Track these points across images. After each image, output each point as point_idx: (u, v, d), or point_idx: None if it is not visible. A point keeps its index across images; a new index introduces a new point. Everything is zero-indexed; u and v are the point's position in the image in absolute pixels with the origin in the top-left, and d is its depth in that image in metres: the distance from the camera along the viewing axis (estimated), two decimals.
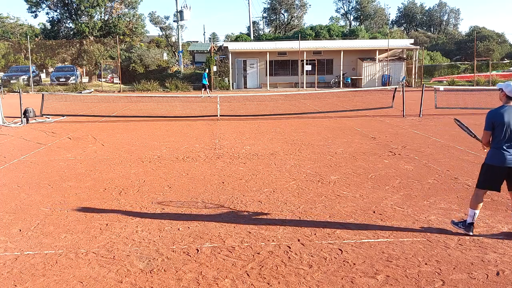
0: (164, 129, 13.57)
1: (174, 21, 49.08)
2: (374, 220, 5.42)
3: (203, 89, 26.88)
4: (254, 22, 58.50)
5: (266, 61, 35.13)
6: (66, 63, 40.14)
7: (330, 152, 9.58)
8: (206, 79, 27.00)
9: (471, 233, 4.90)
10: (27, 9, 38.92)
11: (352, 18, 64.64)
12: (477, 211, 4.89)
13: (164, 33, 56.69)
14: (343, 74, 35.21)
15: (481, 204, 4.90)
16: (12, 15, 61.60)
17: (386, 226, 5.23)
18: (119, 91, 33.44)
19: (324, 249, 4.62)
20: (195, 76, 39.24)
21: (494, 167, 4.73)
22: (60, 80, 35.38)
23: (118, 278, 4.06)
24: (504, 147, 4.69)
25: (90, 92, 31.14)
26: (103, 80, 38.76)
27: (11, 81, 34.20)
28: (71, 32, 38.30)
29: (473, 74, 35.93)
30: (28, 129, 13.77)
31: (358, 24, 61.08)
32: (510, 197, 4.97)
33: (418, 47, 37.98)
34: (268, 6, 58.65)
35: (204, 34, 73.47)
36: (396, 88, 18.08)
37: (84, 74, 41.08)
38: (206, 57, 39.00)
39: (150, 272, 4.16)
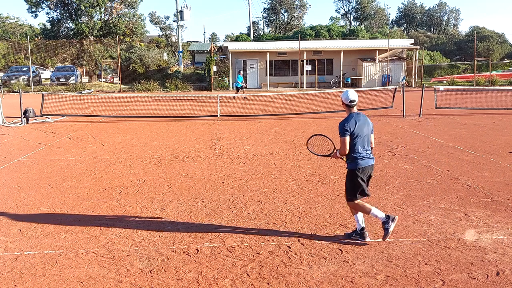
0: (164, 129, 13.57)
1: (174, 21, 49.16)
2: (374, 220, 5.42)
3: (238, 91, 25.00)
4: (254, 22, 58.54)
5: (266, 61, 35.13)
6: (66, 63, 40.14)
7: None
8: (239, 82, 25.14)
9: (367, 239, 4.83)
10: (27, 9, 38.95)
11: (352, 18, 64.68)
12: (373, 211, 4.83)
13: (164, 33, 56.70)
14: (343, 74, 35.21)
15: (367, 205, 4.86)
16: (12, 15, 61.65)
17: None
18: (119, 91, 33.44)
19: (324, 249, 4.62)
20: (195, 76, 39.26)
21: (361, 169, 4.81)
22: (60, 80, 35.39)
23: (118, 278, 4.06)
24: (360, 153, 4.80)
25: (90, 92, 31.14)
26: (103, 80, 38.75)
27: (11, 81, 34.20)
28: (71, 32, 38.29)
29: (473, 74, 35.93)
30: (28, 129, 13.77)
31: (358, 24, 61.09)
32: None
33: (418, 47, 37.98)
34: (268, 6, 58.69)
35: (204, 34, 73.54)
36: (396, 88, 18.08)
37: (84, 74, 41.07)
38: (206, 57, 39.00)
39: (150, 272, 4.16)
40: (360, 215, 4.88)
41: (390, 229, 4.72)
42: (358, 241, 4.80)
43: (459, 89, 27.26)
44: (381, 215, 4.79)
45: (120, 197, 6.50)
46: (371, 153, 4.91)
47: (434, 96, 17.70)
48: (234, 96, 24.72)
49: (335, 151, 5.03)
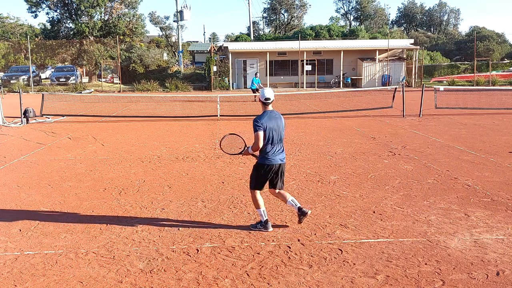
0: (164, 129, 13.57)
1: (174, 21, 49.15)
2: (374, 220, 5.42)
3: (254, 92, 23.41)
4: (254, 22, 58.51)
5: (266, 61, 35.13)
6: (66, 63, 40.14)
7: (330, 152, 9.58)
8: (255, 84, 23.61)
9: (270, 229, 5.14)
10: (27, 9, 38.94)
11: (352, 18, 64.65)
12: (262, 209, 5.15)
13: (164, 33, 56.70)
14: (343, 74, 35.20)
15: (261, 201, 5.17)
16: (12, 15, 61.59)
17: (386, 226, 5.23)
18: (119, 91, 33.45)
19: (324, 249, 4.62)
20: (195, 76, 39.26)
21: (268, 166, 5.08)
22: (60, 80, 35.40)
23: (118, 278, 4.06)
24: (271, 149, 5.05)
25: (90, 92, 31.14)
26: (103, 80, 38.75)
27: (11, 81, 34.21)
28: (71, 32, 38.29)
29: (473, 74, 35.92)
30: (28, 129, 13.77)
31: (358, 24, 61.06)
32: (272, 194, 5.36)
33: (418, 47, 37.97)
34: (268, 6, 58.66)
35: (204, 34, 73.53)
36: (396, 88, 18.08)
37: (84, 74, 41.07)
38: (206, 57, 39.00)
39: (150, 272, 4.16)
40: (262, 210, 5.15)
41: (255, 228, 5.17)
42: (354, 242, 4.80)
43: (459, 89, 27.26)
44: (263, 218, 5.14)
45: (120, 197, 6.50)
46: (283, 150, 5.18)
47: (434, 96, 17.70)
48: (255, 99, 23.36)
49: (246, 148, 5.24)
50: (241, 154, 5.32)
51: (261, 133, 4.95)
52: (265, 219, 5.16)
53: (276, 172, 5.13)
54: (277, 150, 5.09)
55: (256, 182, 5.17)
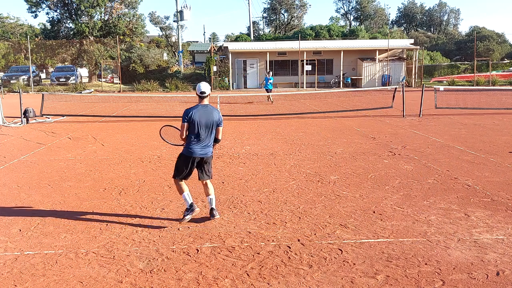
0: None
1: (174, 21, 49.15)
2: (374, 220, 5.42)
3: (269, 94, 21.99)
4: (254, 22, 58.52)
5: (266, 61, 35.13)
6: (66, 63, 40.14)
7: (330, 152, 9.58)
8: (271, 82, 22.06)
9: (197, 209, 5.35)
10: (27, 9, 38.97)
11: (352, 18, 64.67)
12: (186, 193, 5.38)
13: (164, 33, 56.69)
14: (343, 74, 35.21)
15: (184, 187, 5.39)
16: (12, 15, 61.62)
17: (386, 226, 5.23)
18: (119, 91, 33.44)
19: (324, 249, 4.62)
20: (195, 76, 39.25)
21: (187, 157, 5.31)
22: (60, 80, 35.40)
23: (118, 278, 4.06)
24: (194, 142, 5.28)
25: (90, 92, 31.14)
26: (103, 80, 38.76)
27: (11, 81, 34.21)
28: (71, 32, 38.30)
29: (473, 74, 35.93)
30: (28, 129, 13.77)
31: (358, 24, 61.08)
32: (204, 188, 5.57)
33: (418, 47, 37.98)
34: (268, 6, 58.68)
35: (204, 34, 73.50)
36: (396, 88, 18.07)
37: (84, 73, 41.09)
38: (206, 57, 39.02)
39: (150, 272, 4.16)
40: (185, 194, 5.37)
41: (186, 218, 5.30)
42: (354, 242, 4.79)
43: (459, 89, 27.26)
44: (188, 202, 5.34)
45: (120, 197, 6.50)
46: (209, 145, 5.37)
47: (434, 96, 17.70)
48: (272, 101, 21.73)
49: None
50: (182, 146, 5.49)
51: (185, 124, 5.22)
52: (190, 202, 5.34)
53: (198, 164, 5.34)
54: (202, 144, 5.29)
55: (176, 171, 5.39)
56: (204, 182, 5.49)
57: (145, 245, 4.78)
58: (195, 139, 5.25)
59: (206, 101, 5.35)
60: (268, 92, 22.08)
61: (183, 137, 5.30)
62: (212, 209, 5.45)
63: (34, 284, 3.97)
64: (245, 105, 20.89)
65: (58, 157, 9.49)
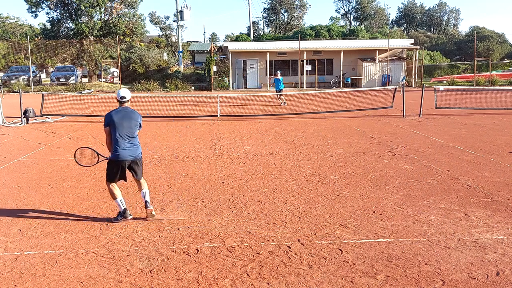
0: (164, 129, 13.57)
1: (174, 21, 49.16)
2: (374, 220, 5.42)
3: (280, 94, 20.65)
4: (254, 22, 58.51)
5: (266, 61, 35.13)
6: (66, 63, 40.14)
7: (330, 152, 9.58)
8: (281, 82, 20.68)
9: (130, 216, 5.45)
10: (27, 9, 38.93)
11: (352, 18, 64.66)
12: (118, 199, 5.45)
13: (164, 33, 56.69)
14: (343, 74, 35.20)
15: (117, 193, 5.45)
16: (12, 15, 61.54)
17: (386, 226, 5.23)
18: None
19: (324, 249, 4.62)
20: (195, 76, 39.26)
21: (117, 162, 5.39)
22: (60, 80, 35.40)
23: (118, 278, 4.06)
24: (120, 145, 5.37)
25: (90, 92, 31.14)
26: (103, 80, 38.76)
27: (11, 81, 34.21)
28: (71, 32, 38.27)
29: (473, 74, 35.92)
30: (28, 129, 13.77)
31: (358, 24, 61.07)
32: (137, 185, 5.65)
33: (418, 47, 37.97)
34: (268, 6, 58.66)
35: (204, 34, 73.50)
36: (396, 88, 18.08)
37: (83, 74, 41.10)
38: (206, 57, 39.00)
39: (150, 272, 4.16)
40: (118, 200, 5.43)
41: (118, 221, 5.40)
42: (354, 242, 4.79)
43: (459, 89, 27.25)
44: (121, 208, 5.42)
45: None
46: (136, 145, 5.52)
47: (434, 96, 17.70)
48: (284, 102, 20.55)
49: (99, 156, 5.53)
50: (97, 163, 5.60)
51: (107, 129, 5.39)
52: (123, 208, 5.42)
53: (129, 166, 5.44)
54: (128, 145, 5.41)
55: (108, 176, 5.46)
56: (139, 181, 5.63)
57: (145, 245, 4.78)
58: (121, 142, 5.36)
59: (126, 105, 5.57)
60: (280, 92, 20.66)
61: (108, 142, 5.41)
62: (146, 201, 5.51)
63: (34, 284, 3.97)
64: (245, 105, 20.89)
65: (58, 157, 9.49)
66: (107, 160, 5.46)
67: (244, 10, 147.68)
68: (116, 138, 5.35)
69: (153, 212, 5.51)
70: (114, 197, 5.46)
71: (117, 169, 5.40)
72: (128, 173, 5.60)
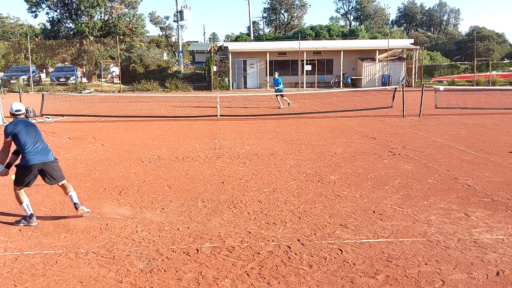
0: (164, 129, 13.57)
1: (174, 21, 49.16)
2: (374, 220, 5.42)
3: (281, 96, 19.75)
4: (254, 22, 58.50)
5: (266, 61, 35.14)
6: (66, 63, 40.15)
7: (330, 152, 9.58)
8: (280, 84, 19.63)
9: (35, 223, 5.37)
10: (27, 9, 38.96)
11: (352, 18, 64.67)
12: (25, 204, 5.44)
13: (164, 33, 56.71)
14: (343, 74, 35.21)
15: (24, 198, 5.48)
16: (12, 15, 61.64)
17: (386, 226, 5.23)
18: (119, 91, 33.44)
19: (324, 249, 4.62)
20: (195, 76, 39.26)
21: (28, 167, 5.41)
22: (60, 80, 35.41)
23: (118, 278, 4.06)
24: (29, 150, 5.37)
25: (90, 92, 31.14)
26: (103, 80, 38.76)
27: (11, 81, 34.22)
28: (71, 32, 38.29)
29: (473, 74, 35.93)
30: None
31: (358, 24, 61.08)
32: (62, 188, 5.67)
33: (418, 47, 37.97)
34: (268, 6, 58.68)
35: (204, 34, 73.49)
36: (396, 88, 18.07)
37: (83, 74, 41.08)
38: (206, 57, 39.01)
39: (150, 272, 4.16)
40: (25, 205, 5.42)
41: (20, 224, 5.36)
42: (354, 242, 4.79)
43: (459, 89, 27.26)
44: (28, 212, 5.38)
45: (120, 197, 6.50)
46: (47, 149, 5.52)
47: (434, 96, 17.70)
48: (289, 103, 19.89)
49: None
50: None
51: (9, 139, 5.39)
52: (29, 213, 5.38)
53: (41, 171, 5.45)
54: (38, 150, 5.40)
55: (18, 181, 5.48)
56: (60, 184, 5.62)
57: (145, 245, 4.78)
58: (30, 147, 5.36)
59: (22, 117, 5.58)
60: (280, 92, 19.71)
61: (6, 151, 5.41)
62: (75, 203, 5.48)
63: (34, 284, 3.97)
64: (245, 105, 20.89)
65: (58, 157, 9.44)
66: (18, 167, 5.48)
67: (244, 10, 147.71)
68: (24, 144, 5.37)
69: (86, 209, 5.49)
70: (20, 202, 5.49)
71: (28, 175, 5.43)
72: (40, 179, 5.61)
